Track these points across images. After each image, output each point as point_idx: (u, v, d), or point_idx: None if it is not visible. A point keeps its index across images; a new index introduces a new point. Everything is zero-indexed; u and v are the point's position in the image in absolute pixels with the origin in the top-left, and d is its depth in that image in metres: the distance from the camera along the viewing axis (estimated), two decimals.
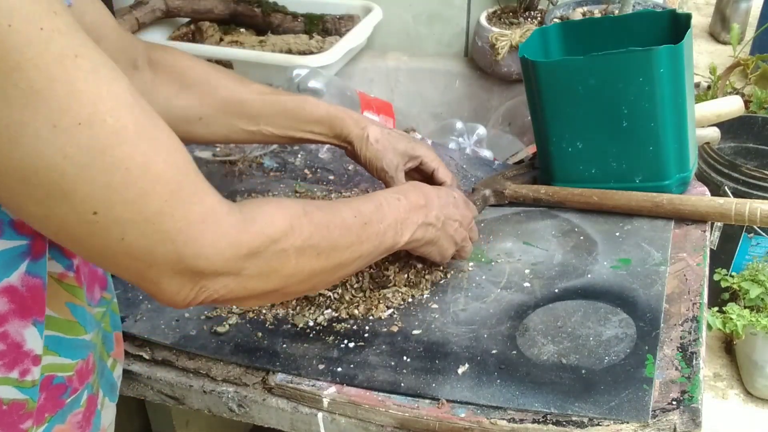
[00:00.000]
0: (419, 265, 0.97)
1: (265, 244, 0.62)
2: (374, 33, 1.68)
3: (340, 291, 0.93)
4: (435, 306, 0.92)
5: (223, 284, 0.61)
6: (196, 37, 1.69)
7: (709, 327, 1.40)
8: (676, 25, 1.07)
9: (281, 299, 0.72)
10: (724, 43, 1.89)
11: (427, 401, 0.80)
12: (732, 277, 1.49)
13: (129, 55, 0.88)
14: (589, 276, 0.95)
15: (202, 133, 0.96)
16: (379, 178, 1.00)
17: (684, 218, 1.04)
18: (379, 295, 0.93)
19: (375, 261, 0.81)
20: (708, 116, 1.21)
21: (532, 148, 1.27)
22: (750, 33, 1.86)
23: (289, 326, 0.90)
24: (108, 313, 0.76)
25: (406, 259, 0.97)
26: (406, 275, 0.95)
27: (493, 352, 0.84)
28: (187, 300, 0.60)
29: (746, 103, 1.60)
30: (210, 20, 1.69)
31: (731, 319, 1.41)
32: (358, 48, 1.66)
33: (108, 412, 0.78)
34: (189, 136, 0.95)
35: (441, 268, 0.98)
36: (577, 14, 1.54)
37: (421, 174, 1.03)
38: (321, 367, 0.84)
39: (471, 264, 0.99)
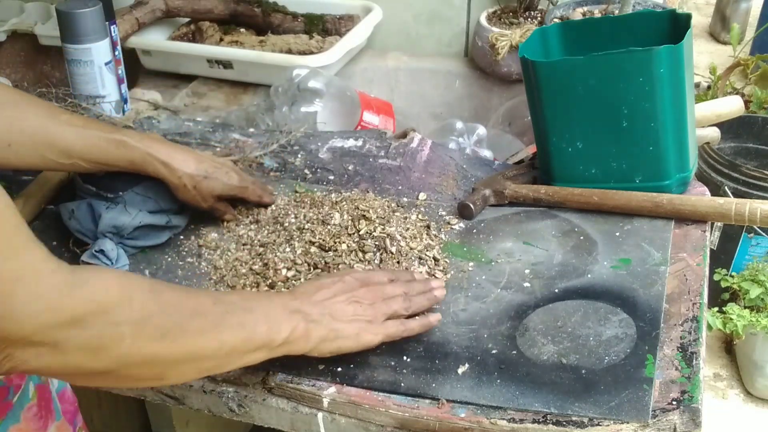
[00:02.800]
0: (421, 268, 0.97)
1: (92, 312, 0.55)
2: (374, 33, 1.68)
3: None
4: (435, 306, 0.92)
5: (35, 354, 0.53)
6: (196, 37, 1.68)
7: (709, 327, 1.40)
8: (676, 25, 1.07)
9: (122, 385, 0.63)
10: (724, 43, 1.89)
11: (427, 401, 0.80)
12: (732, 277, 1.49)
13: None
14: (589, 276, 0.95)
15: (12, 161, 0.91)
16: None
17: (684, 218, 1.04)
18: None
19: (255, 362, 0.72)
20: (708, 116, 1.21)
21: (532, 148, 1.27)
22: (750, 33, 1.85)
23: None
24: None
25: (407, 261, 0.97)
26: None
27: (493, 352, 0.84)
28: None
29: (746, 103, 1.60)
30: (210, 20, 1.69)
31: (731, 319, 1.41)
32: (358, 48, 1.66)
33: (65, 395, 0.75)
34: None
35: (442, 268, 0.98)
36: (577, 14, 1.54)
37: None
38: (321, 367, 0.84)
39: (471, 264, 0.99)
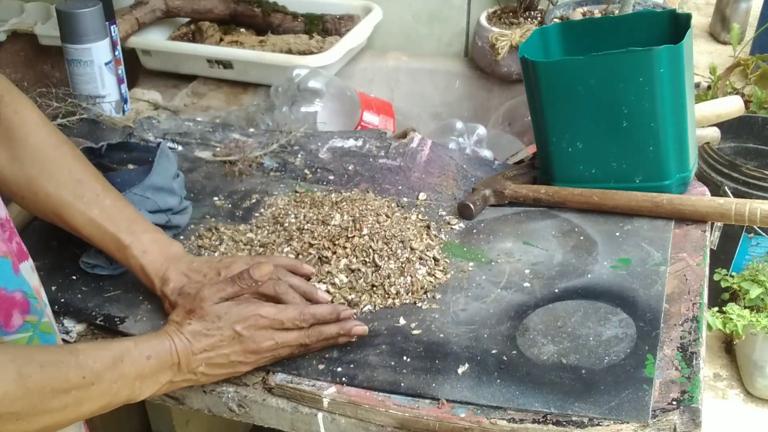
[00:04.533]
0: (421, 268, 0.97)
1: None
2: (374, 33, 1.68)
3: (341, 291, 0.93)
4: (435, 306, 0.92)
5: None
6: (196, 37, 1.68)
7: (709, 327, 1.40)
8: (676, 25, 1.07)
9: None
10: (724, 43, 1.89)
11: (427, 401, 0.80)
12: (732, 277, 1.49)
13: None
14: (589, 276, 0.95)
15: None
16: None
17: (684, 218, 1.04)
18: (380, 295, 0.93)
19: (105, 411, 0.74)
20: (708, 116, 1.21)
21: (532, 148, 1.27)
22: (750, 33, 1.85)
23: None
24: (36, 336, 0.73)
25: (407, 261, 0.97)
26: (406, 277, 0.95)
27: (493, 352, 0.84)
28: None
29: (746, 103, 1.59)
30: (210, 20, 1.69)
31: (731, 319, 1.41)
32: (358, 48, 1.66)
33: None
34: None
35: (442, 268, 0.98)
36: (577, 14, 1.54)
37: None
38: (321, 367, 0.84)
39: (471, 264, 0.99)
